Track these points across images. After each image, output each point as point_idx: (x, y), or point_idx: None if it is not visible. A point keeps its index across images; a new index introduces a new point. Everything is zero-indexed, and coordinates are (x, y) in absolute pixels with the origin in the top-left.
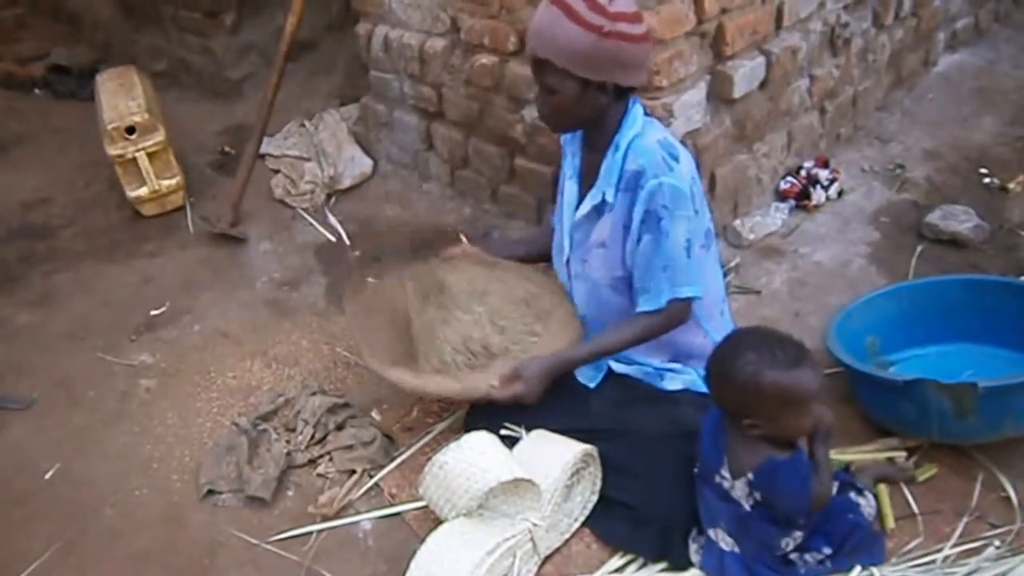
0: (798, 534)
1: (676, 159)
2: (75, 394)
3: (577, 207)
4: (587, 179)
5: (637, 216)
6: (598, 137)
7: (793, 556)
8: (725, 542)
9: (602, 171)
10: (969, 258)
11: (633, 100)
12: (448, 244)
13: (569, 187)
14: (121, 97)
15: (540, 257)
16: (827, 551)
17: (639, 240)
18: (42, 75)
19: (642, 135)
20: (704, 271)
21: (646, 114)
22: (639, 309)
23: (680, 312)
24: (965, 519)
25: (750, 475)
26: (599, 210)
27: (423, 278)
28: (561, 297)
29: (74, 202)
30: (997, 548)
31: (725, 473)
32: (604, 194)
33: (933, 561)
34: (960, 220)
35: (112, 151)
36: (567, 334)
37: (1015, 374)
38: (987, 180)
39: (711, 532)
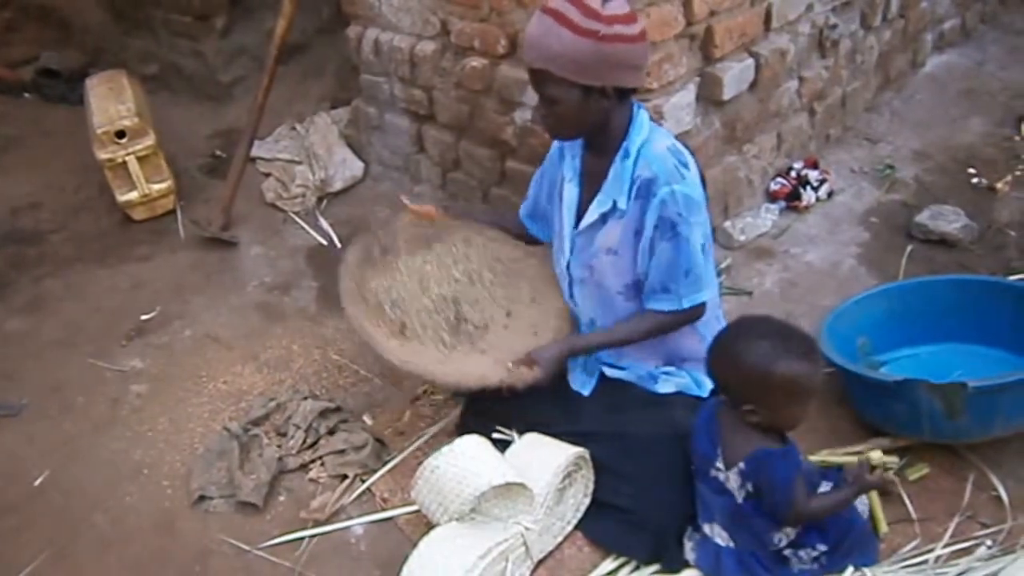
0: (790, 529)
1: (686, 166)
2: (65, 400)
3: (578, 210)
4: (590, 183)
5: (650, 223)
6: (603, 141)
7: (787, 553)
8: (720, 537)
9: (610, 177)
10: (958, 258)
11: (638, 105)
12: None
13: (569, 190)
14: (111, 101)
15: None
16: (822, 547)
17: (653, 247)
18: (31, 79)
19: (650, 141)
20: (713, 274)
21: (651, 119)
22: (654, 307)
23: (695, 313)
24: (957, 519)
25: (742, 464)
26: (606, 216)
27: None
28: (531, 257)
29: (64, 207)
30: (989, 548)
31: (720, 465)
32: (615, 201)
33: (925, 561)
34: (949, 220)
35: (102, 155)
36: (544, 301)
37: (1004, 373)
38: (975, 180)
39: (707, 528)
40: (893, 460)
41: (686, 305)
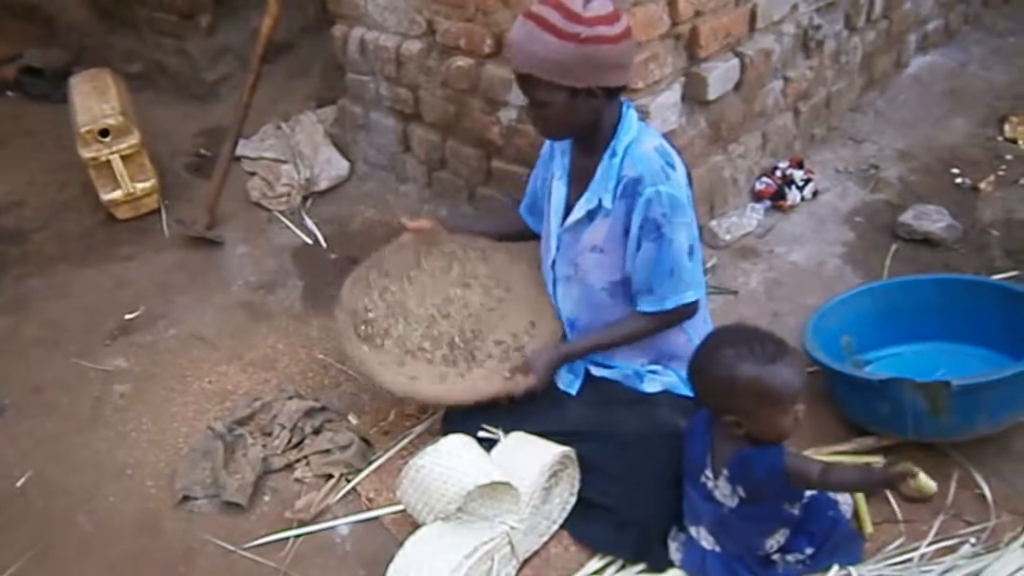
0: (782, 534)
1: (672, 167)
2: (48, 400)
3: (565, 208)
4: (578, 181)
5: (635, 223)
6: (592, 139)
7: (775, 557)
8: (707, 541)
9: (597, 175)
10: (942, 257)
11: (627, 104)
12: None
13: (558, 187)
14: (95, 99)
15: (500, 239)
16: (809, 551)
17: (638, 247)
18: (14, 77)
19: (638, 141)
20: (701, 274)
21: (640, 119)
22: (642, 309)
23: (682, 313)
24: (941, 517)
25: (725, 471)
26: (592, 214)
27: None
28: (516, 259)
29: (47, 205)
30: (973, 545)
31: (708, 473)
32: (601, 200)
33: (910, 560)
34: (933, 220)
35: (86, 154)
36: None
37: (987, 372)
38: (959, 180)
39: (693, 530)
40: (932, 488)
41: (669, 306)
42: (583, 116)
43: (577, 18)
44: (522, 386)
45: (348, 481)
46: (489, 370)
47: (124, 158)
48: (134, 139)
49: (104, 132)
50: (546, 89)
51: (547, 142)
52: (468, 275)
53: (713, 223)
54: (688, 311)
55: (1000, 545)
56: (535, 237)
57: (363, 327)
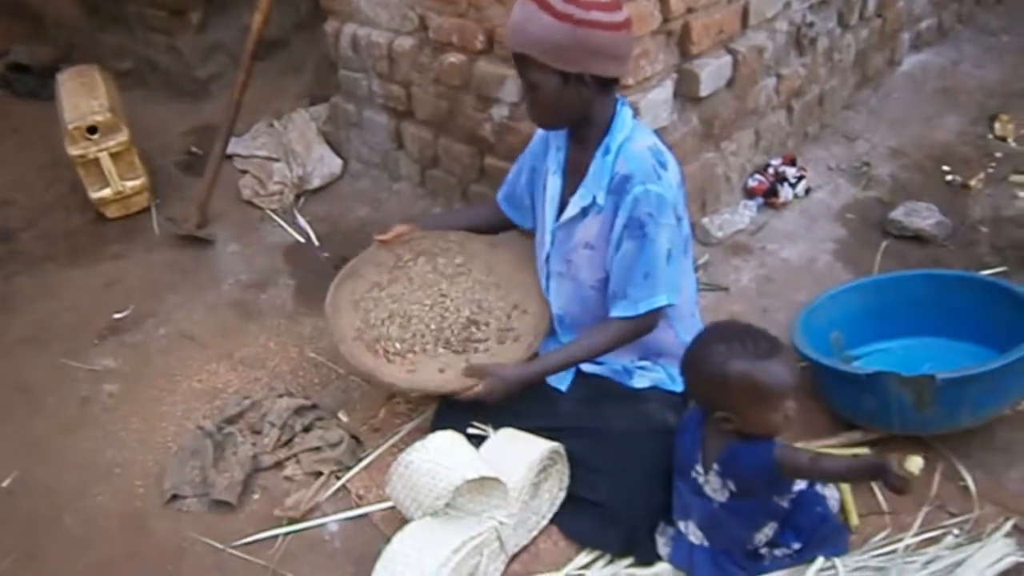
0: (770, 528)
1: (664, 167)
2: (36, 400)
3: (560, 203)
4: (572, 176)
5: (620, 221)
6: (586, 134)
7: (763, 551)
8: (695, 535)
9: (591, 172)
10: (932, 254)
11: (621, 102)
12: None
13: (552, 182)
14: (83, 96)
15: (477, 232)
16: (796, 545)
17: (619, 245)
18: (1, 74)
19: (632, 139)
20: (681, 275)
21: (634, 117)
22: (613, 314)
23: (653, 319)
24: (925, 509)
25: (716, 465)
26: (586, 211)
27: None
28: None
29: (35, 204)
30: (956, 536)
31: (699, 468)
32: (595, 197)
33: (894, 551)
34: (923, 217)
35: (74, 151)
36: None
37: (971, 366)
38: (950, 178)
39: (681, 525)
40: (920, 463)
41: (642, 309)
42: (573, 104)
43: (575, 0)
44: (469, 391)
45: (338, 478)
46: (462, 361)
47: (113, 156)
48: (123, 136)
49: (92, 129)
50: (538, 71)
51: (540, 134)
52: (447, 267)
53: (705, 220)
54: (659, 316)
55: (983, 536)
56: (515, 227)
57: (356, 333)
